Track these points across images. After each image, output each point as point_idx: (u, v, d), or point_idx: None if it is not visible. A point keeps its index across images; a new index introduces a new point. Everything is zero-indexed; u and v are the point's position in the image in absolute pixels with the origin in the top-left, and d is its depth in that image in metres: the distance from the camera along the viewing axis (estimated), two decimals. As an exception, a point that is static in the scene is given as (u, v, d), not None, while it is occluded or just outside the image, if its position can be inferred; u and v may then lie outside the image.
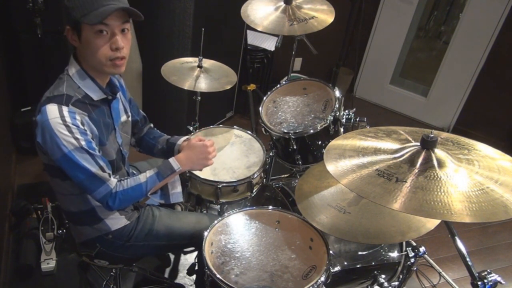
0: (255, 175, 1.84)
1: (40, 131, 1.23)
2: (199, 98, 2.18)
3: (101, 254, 1.53)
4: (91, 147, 1.27)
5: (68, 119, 1.22)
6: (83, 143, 1.24)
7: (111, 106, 1.42)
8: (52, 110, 1.22)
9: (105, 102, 1.39)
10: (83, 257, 1.57)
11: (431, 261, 2.41)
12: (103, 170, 1.30)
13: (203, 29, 2.02)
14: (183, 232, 1.60)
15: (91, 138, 1.28)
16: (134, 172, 1.72)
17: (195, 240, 1.56)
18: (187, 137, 1.69)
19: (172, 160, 1.45)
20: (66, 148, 1.22)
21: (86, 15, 1.21)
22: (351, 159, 1.10)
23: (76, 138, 1.23)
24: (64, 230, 2.22)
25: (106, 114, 1.40)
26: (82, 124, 1.26)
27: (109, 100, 1.39)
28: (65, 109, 1.23)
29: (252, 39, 3.54)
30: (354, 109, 1.93)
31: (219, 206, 1.94)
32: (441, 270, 2.35)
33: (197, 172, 1.80)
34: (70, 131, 1.22)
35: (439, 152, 1.04)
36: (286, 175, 2.61)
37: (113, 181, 1.33)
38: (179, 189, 1.51)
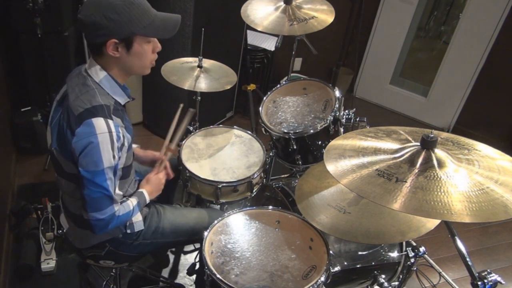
0: (255, 175, 1.84)
1: (82, 144, 1.20)
2: (199, 98, 2.18)
3: (109, 254, 1.53)
4: (117, 167, 1.28)
5: (114, 134, 1.22)
6: (116, 162, 1.25)
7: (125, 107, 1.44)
8: (100, 124, 1.21)
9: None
10: (88, 259, 1.57)
11: (431, 261, 2.41)
12: (115, 191, 1.30)
13: (203, 29, 2.02)
14: (188, 228, 1.62)
15: (119, 156, 1.28)
16: None
17: (198, 236, 1.57)
18: (136, 145, 1.71)
19: (145, 193, 1.49)
20: (103, 165, 1.22)
21: (146, 28, 1.24)
22: (351, 159, 1.10)
23: (114, 157, 1.23)
24: (64, 230, 2.22)
25: (126, 115, 1.41)
26: (123, 137, 1.27)
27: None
28: (111, 123, 1.23)
29: (252, 39, 3.54)
30: (354, 109, 1.93)
31: (219, 206, 1.94)
32: (441, 270, 2.35)
33: (197, 172, 1.80)
34: (113, 148, 1.22)
35: (439, 152, 1.04)
36: (286, 175, 2.61)
37: (118, 205, 1.33)
38: (141, 217, 1.54)
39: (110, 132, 1.21)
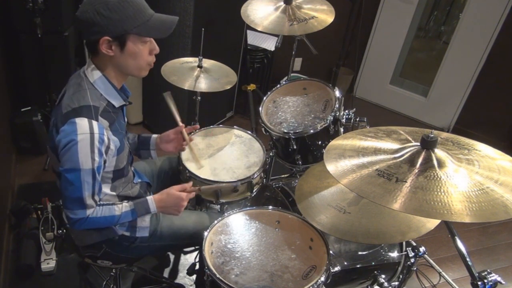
0: (255, 175, 1.84)
1: (63, 142, 1.21)
2: (199, 98, 2.18)
3: (105, 255, 1.53)
4: (99, 171, 1.27)
5: (97, 136, 1.21)
6: (96, 165, 1.24)
7: (123, 109, 1.43)
8: (82, 125, 1.20)
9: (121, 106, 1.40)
10: (86, 258, 1.57)
11: (431, 261, 2.41)
12: (93, 196, 1.28)
13: (203, 29, 2.02)
14: (186, 232, 1.61)
15: (103, 161, 1.27)
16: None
17: (198, 239, 1.56)
18: (156, 135, 1.72)
19: (150, 201, 1.42)
20: (80, 165, 1.21)
21: (139, 26, 1.24)
22: (351, 159, 1.10)
23: (93, 159, 1.22)
24: (64, 230, 2.22)
25: (121, 118, 1.41)
26: (108, 140, 1.26)
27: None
28: (95, 124, 1.22)
29: (252, 39, 3.54)
30: (354, 109, 1.93)
31: (219, 206, 1.94)
32: (441, 270, 2.35)
33: (197, 172, 1.80)
34: (93, 151, 1.21)
35: (439, 152, 1.04)
36: (286, 175, 2.61)
37: (92, 209, 1.31)
38: (147, 223, 1.53)
39: (92, 133, 1.21)
